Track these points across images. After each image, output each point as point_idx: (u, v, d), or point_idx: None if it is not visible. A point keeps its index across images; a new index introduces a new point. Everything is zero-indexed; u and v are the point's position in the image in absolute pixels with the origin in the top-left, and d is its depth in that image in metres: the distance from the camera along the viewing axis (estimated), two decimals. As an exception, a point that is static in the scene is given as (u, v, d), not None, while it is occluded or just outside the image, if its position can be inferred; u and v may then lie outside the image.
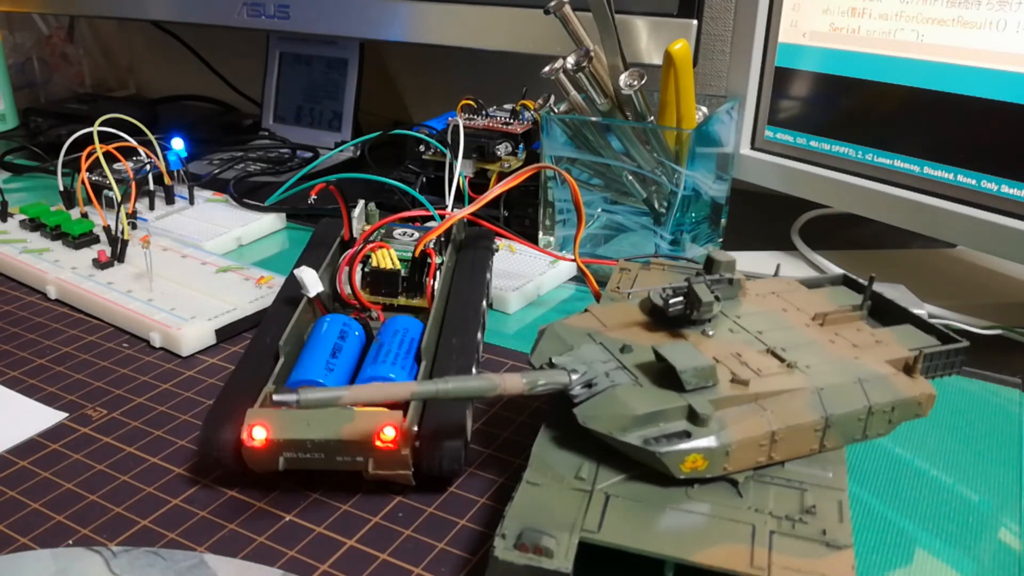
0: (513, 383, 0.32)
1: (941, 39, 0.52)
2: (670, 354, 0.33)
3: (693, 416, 0.33)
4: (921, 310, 0.49)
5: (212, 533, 0.36)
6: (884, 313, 0.41)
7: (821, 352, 0.36)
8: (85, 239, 0.61)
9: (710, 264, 0.40)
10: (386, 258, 0.48)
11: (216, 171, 0.80)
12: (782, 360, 0.35)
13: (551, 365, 0.35)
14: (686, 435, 0.32)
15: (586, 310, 0.40)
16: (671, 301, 0.37)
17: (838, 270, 0.59)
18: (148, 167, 0.70)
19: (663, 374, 0.34)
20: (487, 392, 0.32)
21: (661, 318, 0.38)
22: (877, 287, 0.50)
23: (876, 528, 0.36)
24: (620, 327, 0.38)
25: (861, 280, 0.42)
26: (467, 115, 0.70)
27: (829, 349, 0.36)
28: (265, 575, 0.33)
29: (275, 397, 0.30)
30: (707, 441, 0.32)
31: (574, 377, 0.34)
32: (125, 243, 0.59)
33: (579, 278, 0.60)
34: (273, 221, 0.68)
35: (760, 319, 0.39)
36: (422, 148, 0.69)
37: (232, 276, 0.57)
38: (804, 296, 0.41)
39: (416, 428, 0.37)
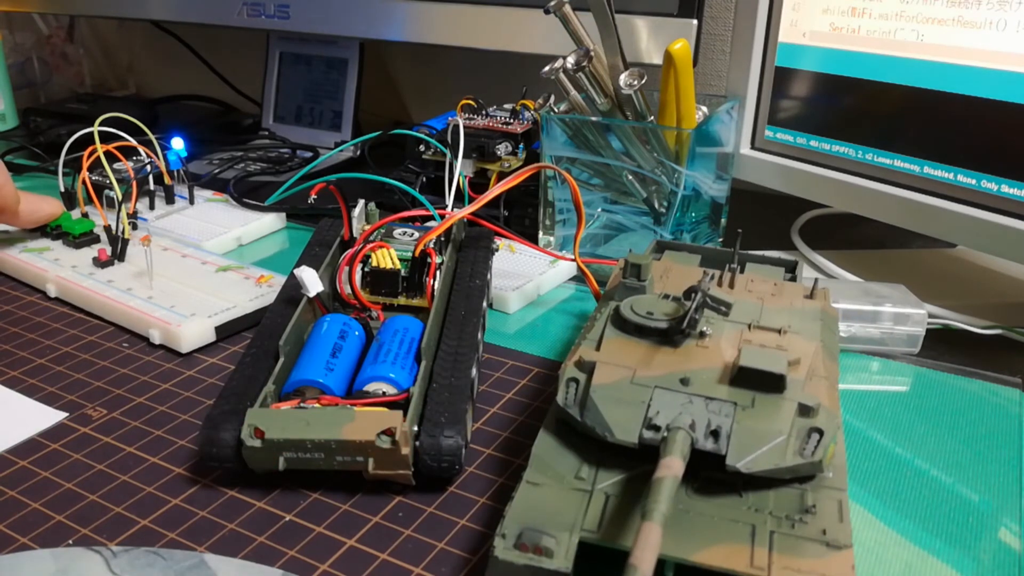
0: (678, 466, 0.31)
1: (941, 39, 0.52)
2: (758, 363, 0.34)
3: (805, 411, 0.33)
4: (921, 310, 0.49)
5: (212, 533, 0.36)
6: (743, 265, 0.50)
7: (781, 313, 0.41)
8: (85, 239, 0.61)
9: (633, 268, 0.41)
10: (386, 258, 0.48)
11: (216, 171, 0.80)
12: (778, 331, 0.38)
13: (655, 429, 0.33)
14: (818, 432, 0.33)
15: (583, 359, 0.37)
16: (685, 326, 0.37)
17: (839, 270, 0.60)
18: (148, 167, 0.70)
19: (741, 384, 0.34)
20: (675, 488, 0.30)
21: (659, 337, 0.38)
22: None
23: (876, 528, 0.36)
24: (641, 362, 0.36)
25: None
26: (467, 115, 0.70)
27: (779, 308, 0.41)
28: (265, 575, 0.33)
29: None
30: (830, 426, 0.33)
31: (693, 433, 0.32)
32: (125, 242, 0.59)
33: (579, 278, 0.60)
34: (273, 221, 0.68)
35: (736, 306, 0.40)
36: (422, 148, 0.69)
37: (232, 275, 0.57)
38: (740, 279, 0.45)
39: (416, 428, 0.37)
